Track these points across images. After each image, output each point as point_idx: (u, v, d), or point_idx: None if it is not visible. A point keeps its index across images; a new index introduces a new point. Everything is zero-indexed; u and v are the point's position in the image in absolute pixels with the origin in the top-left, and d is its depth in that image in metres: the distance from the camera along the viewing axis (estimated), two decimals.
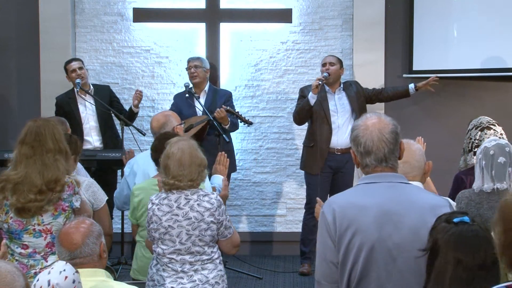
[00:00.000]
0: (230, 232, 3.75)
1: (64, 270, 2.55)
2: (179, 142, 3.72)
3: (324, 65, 6.44)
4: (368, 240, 2.57)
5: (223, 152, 4.70)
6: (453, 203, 2.98)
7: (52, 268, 2.57)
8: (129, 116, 6.47)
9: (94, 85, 6.64)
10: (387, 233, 2.56)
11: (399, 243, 2.55)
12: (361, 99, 6.45)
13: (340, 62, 6.51)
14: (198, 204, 3.63)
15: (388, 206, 2.59)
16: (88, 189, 4.13)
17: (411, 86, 6.50)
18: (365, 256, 2.57)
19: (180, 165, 3.63)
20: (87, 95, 6.43)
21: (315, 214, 3.64)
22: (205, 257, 3.67)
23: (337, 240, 2.61)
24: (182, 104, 6.40)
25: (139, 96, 6.50)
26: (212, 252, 3.70)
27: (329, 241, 2.63)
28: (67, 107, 6.46)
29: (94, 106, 6.47)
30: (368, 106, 6.54)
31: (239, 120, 6.36)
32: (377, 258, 2.57)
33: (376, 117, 2.68)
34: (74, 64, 6.45)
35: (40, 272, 3.56)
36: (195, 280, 3.63)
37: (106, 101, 6.45)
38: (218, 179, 4.60)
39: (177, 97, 6.57)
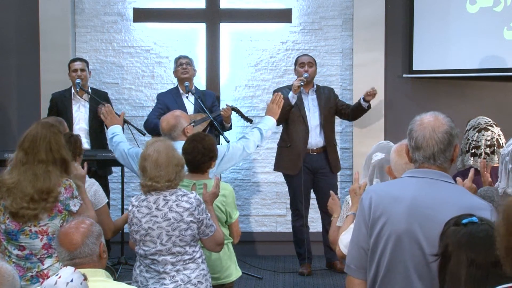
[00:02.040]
0: (212, 230, 3.74)
1: (72, 280, 2.54)
2: (155, 143, 3.72)
3: (302, 65, 6.44)
4: (396, 230, 2.60)
5: (280, 93, 4.89)
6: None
7: (59, 278, 2.55)
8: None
9: (92, 89, 6.63)
10: (417, 226, 2.58)
11: (430, 237, 2.55)
12: (330, 105, 6.45)
13: (315, 62, 6.56)
14: (177, 205, 3.63)
15: (423, 199, 2.62)
16: (90, 189, 4.15)
17: (361, 98, 6.38)
18: (393, 245, 2.60)
19: (156, 166, 3.63)
20: (83, 96, 6.41)
21: (328, 205, 3.69)
22: (186, 257, 3.67)
23: (370, 227, 2.67)
24: (171, 104, 6.37)
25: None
26: (193, 251, 3.70)
27: (363, 227, 2.69)
28: (61, 105, 6.45)
29: (88, 109, 6.46)
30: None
31: (241, 118, 6.45)
32: (404, 249, 2.59)
33: (434, 116, 2.71)
34: (77, 64, 6.45)
35: (36, 275, 3.56)
36: (177, 281, 3.64)
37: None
38: (269, 120, 4.85)
39: (163, 96, 6.54)
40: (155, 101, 7.15)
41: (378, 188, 2.79)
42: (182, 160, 3.73)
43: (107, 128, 5.08)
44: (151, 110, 7.14)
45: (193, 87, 6.52)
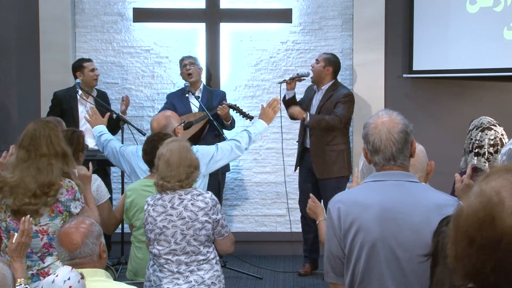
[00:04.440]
0: (227, 230, 3.77)
1: (69, 278, 2.54)
2: (171, 143, 3.73)
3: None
4: (370, 238, 2.58)
5: (277, 98, 4.91)
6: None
7: (57, 276, 2.56)
8: (114, 126, 6.33)
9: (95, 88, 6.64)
10: (390, 231, 2.56)
11: (402, 241, 2.54)
12: (329, 108, 6.21)
13: (326, 60, 6.27)
14: (192, 204, 3.63)
15: (391, 204, 2.59)
16: (93, 184, 4.18)
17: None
18: (367, 253, 2.58)
19: (168, 166, 3.64)
20: (91, 93, 6.43)
21: (307, 210, 3.62)
22: (200, 258, 3.67)
23: (342, 237, 2.64)
24: (177, 103, 6.39)
25: (126, 101, 6.49)
26: (208, 252, 3.70)
27: (335, 237, 2.67)
28: (66, 104, 6.42)
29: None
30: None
31: (240, 115, 6.41)
32: (379, 255, 2.57)
33: (387, 116, 2.69)
34: (92, 64, 6.47)
35: (37, 273, 3.57)
36: (191, 281, 3.63)
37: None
38: (260, 124, 4.78)
39: (171, 96, 6.57)
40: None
41: (345, 197, 2.73)
42: (195, 161, 3.72)
43: (92, 128, 5.13)
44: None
45: (201, 85, 6.52)
